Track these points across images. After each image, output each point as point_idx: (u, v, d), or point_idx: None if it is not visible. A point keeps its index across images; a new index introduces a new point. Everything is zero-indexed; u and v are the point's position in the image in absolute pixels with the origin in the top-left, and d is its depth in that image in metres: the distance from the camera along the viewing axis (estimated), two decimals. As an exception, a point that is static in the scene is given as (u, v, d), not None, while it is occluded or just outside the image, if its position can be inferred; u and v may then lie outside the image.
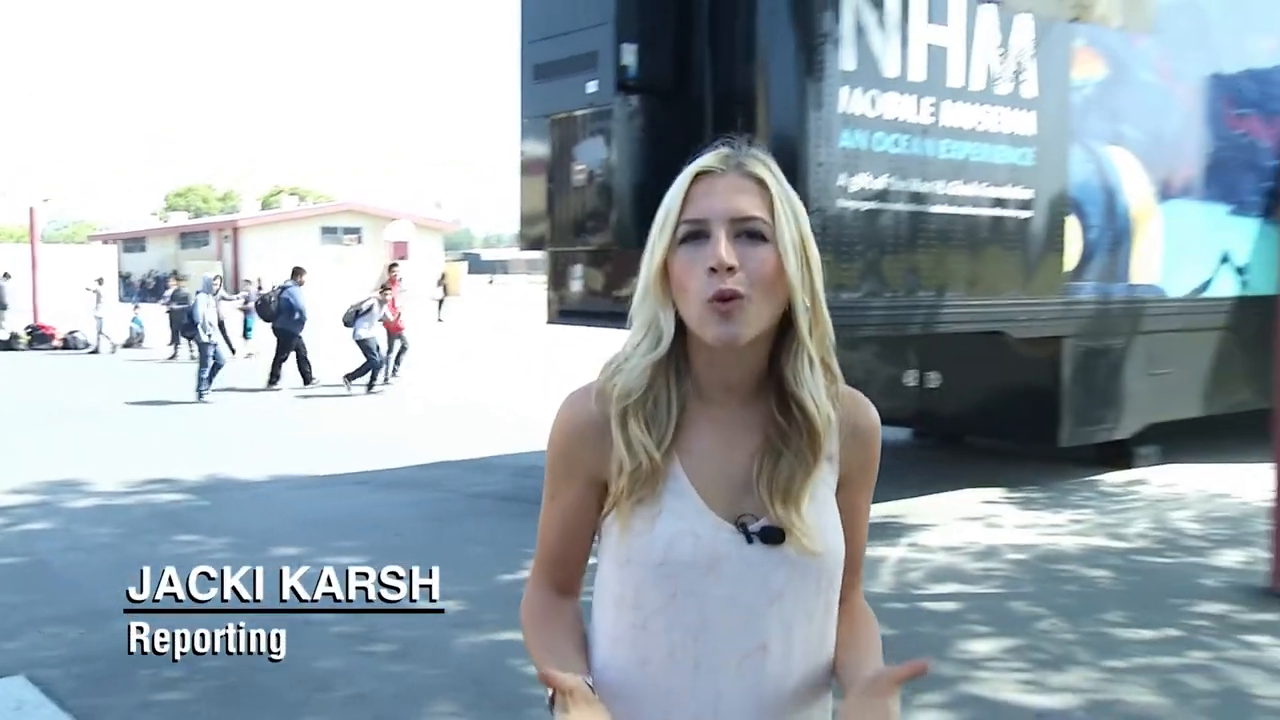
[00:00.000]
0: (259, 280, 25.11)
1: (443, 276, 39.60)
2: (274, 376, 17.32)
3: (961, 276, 8.61)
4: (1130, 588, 6.68)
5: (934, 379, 10.38)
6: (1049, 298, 9.24)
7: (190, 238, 58.92)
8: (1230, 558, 7.39)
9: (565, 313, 9.43)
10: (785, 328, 1.63)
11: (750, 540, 1.61)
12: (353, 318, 16.89)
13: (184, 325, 16.09)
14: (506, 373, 17.68)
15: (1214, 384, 10.89)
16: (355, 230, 54.71)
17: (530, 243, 9.23)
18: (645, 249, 1.66)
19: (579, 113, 8.35)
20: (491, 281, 66.63)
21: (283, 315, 17.22)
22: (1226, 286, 10.87)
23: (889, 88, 8.09)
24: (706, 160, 1.64)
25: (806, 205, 6.03)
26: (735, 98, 7.99)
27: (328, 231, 54.35)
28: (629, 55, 7.99)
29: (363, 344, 16.79)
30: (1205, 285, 10.68)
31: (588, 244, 8.54)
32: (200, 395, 15.65)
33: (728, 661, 1.61)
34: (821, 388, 1.64)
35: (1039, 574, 6.91)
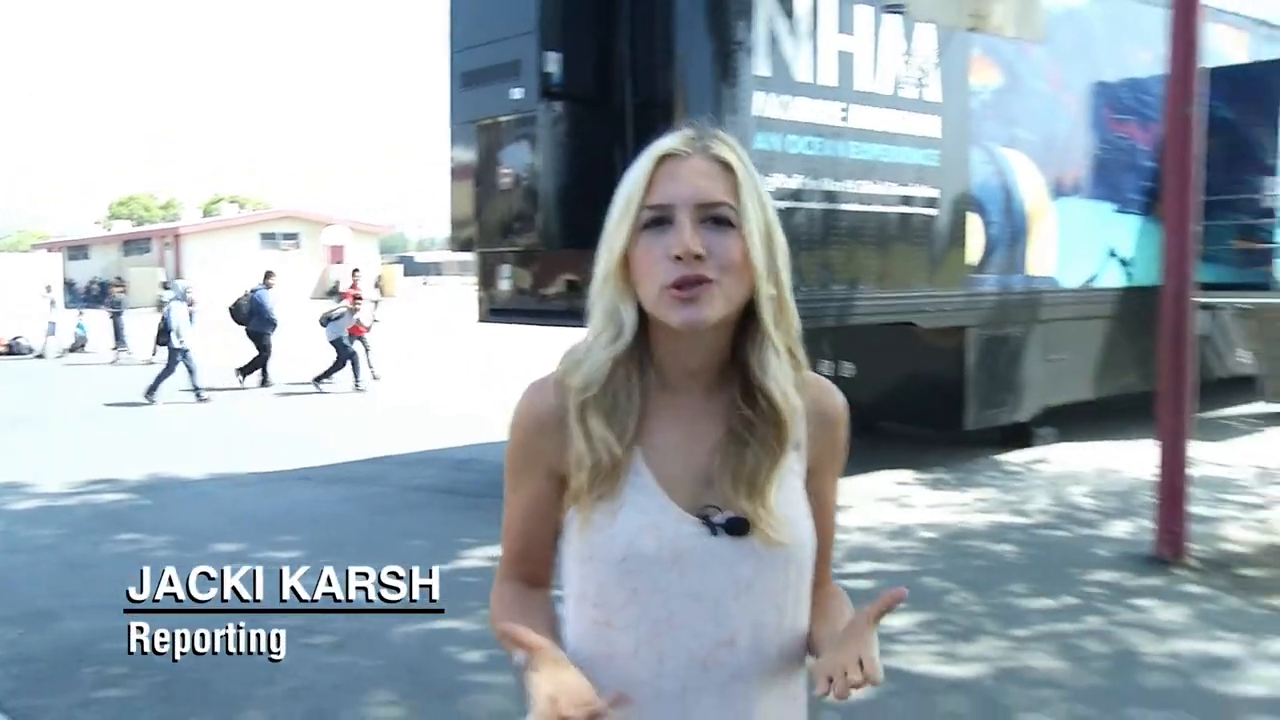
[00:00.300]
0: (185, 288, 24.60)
1: (378, 279, 39.09)
2: (263, 377, 17.07)
3: (873, 271, 8.63)
4: (1032, 560, 6.72)
5: (848, 369, 10.39)
6: (954, 290, 9.29)
7: (133, 245, 57.60)
8: (1120, 528, 7.47)
9: (495, 311, 9.32)
10: (750, 316, 1.52)
11: (715, 533, 1.51)
12: (326, 321, 16.74)
13: (158, 332, 15.71)
14: (442, 370, 17.47)
15: (1103, 369, 11.03)
16: (293, 236, 53.83)
17: (460, 244, 9.10)
18: (603, 235, 1.53)
19: (505, 118, 8.23)
20: (426, 283, 66.12)
21: (255, 318, 16.93)
22: (1113, 278, 11.01)
23: (801, 92, 8.08)
24: (670, 143, 1.52)
25: None
26: (655, 103, 7.91)
27: (267, 237, 53.43)
28: (552, 63, 7.88)
29: (337, 343, 16.61)
30: (1094, 277, 10.81)
31: (515, 245, 8.43)
32: (150, 397, 15.22)
33: (694, 656, 1.51)
34: (788, 376, 1.55)
35: (948, 550, 6.92)
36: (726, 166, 1.50)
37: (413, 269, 69.67)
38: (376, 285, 37.53)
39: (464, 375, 17.69)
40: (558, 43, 7.94)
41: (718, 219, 1.47)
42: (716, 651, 1.51)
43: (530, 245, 8.24)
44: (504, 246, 8.56)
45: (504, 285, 9.06)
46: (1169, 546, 6.60)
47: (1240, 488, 8.63)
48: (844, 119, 8.35)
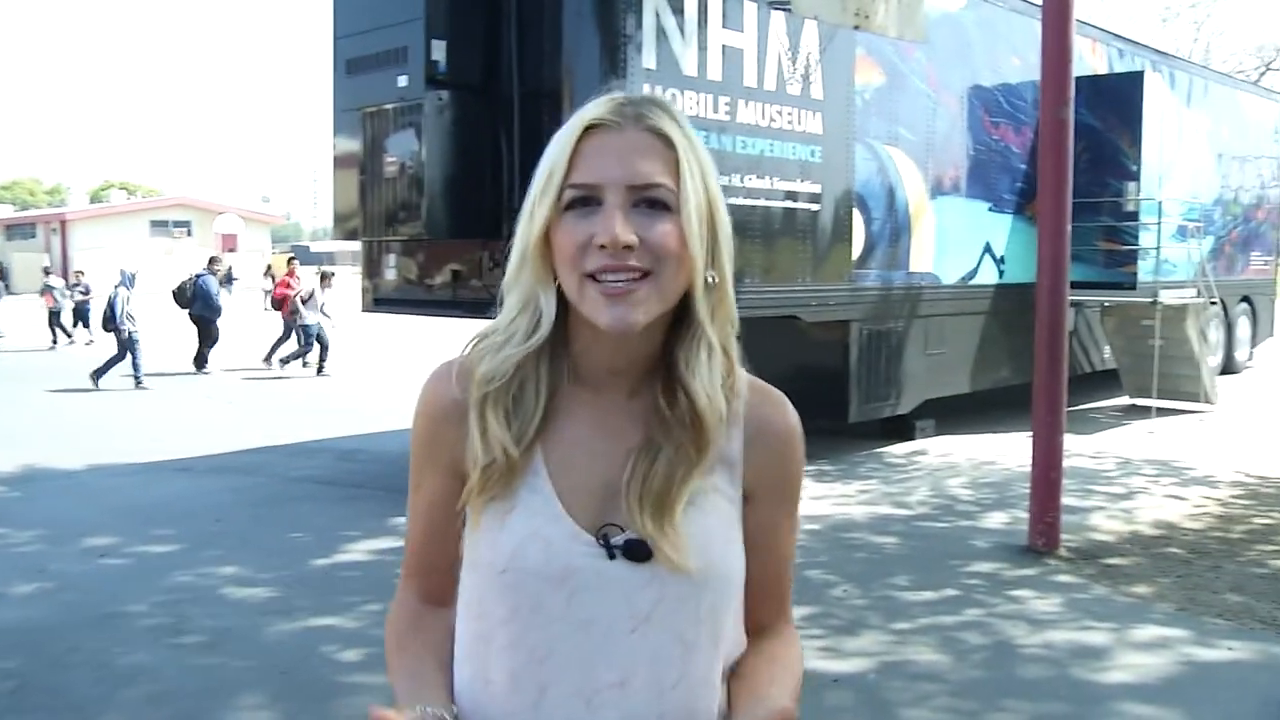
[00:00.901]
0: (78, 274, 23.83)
1: (268, 268, 38.05)
2: (200, 361, 16.82)
3: (758, 265, 8.49)
4: (913, 552, 6.64)
5: (732, 361, 10.24)
6: (837, 285, 9.21)
7: (16, 230, 55.32)
8: (997, 519, 7.44)
9: (380, 301, 8.99)
10: (684, 307, 1.29)
11: (612, 555, 1.26)
12: (297, 306, 16.75)
13: (104, 318, 15.25)
14: (331, 358, 16.97)
15: (980, 363, 11.08)
16: (184, 224, 52.21)
17: (345, 233, 8.74)
18: (522, 212, 1.30)
19: (390, 106, 7.89)
20: (318, 272, 64.49)
21: (198, 302, 16.68)
22: (989, 275, 11.07)
23: (688, 86, 7.89)
24: (598, 110, 1.27)
25: None
26: (542, 94, 7.66)
27: (157, 225, 51.75)
28: (439, 51, 7.58)
29: (304, 329, 16.56)
30: (972, 274, 10.85)
31: (400, 234, 8.10)
32: (138, 382, 14.83)
33: (579, 693, 1.27)
34: (717, 377, 1.30)
35: (832, 543, 6.80)
36: (665, 139, 1.25)
37: (307, 258, 68.33)
38: (267, 274, 36.65)
39: (351, 363, 17.22)
40: (444, 30, 7.63)
41: (652, 201, 1.23)
42: (605, 692, 1.27)
43: (415, 234, 7.92)
44: (389, 235, 8.24)
45: (389, 275, 8.74)
46: (1043, 537, 6.57)
47: (1106, 478, 8.69)
48: (730, 114, 8.19)
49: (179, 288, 17.06)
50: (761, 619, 1.41)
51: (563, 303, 1.29)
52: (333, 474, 8.96)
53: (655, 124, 1.25)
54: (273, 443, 10.34)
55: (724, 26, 8.13)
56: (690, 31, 7.89)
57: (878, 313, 9.73)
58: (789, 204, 8.71)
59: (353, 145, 8.26)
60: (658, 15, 7.67)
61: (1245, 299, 15.81)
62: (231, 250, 46.73)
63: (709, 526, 1.30)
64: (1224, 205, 14.92)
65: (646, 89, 7.56)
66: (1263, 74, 36.09)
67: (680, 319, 1.30)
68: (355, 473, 8.99)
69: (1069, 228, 6.72)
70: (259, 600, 5.69)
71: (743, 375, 1.36)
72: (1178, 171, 13.02)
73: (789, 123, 8.67)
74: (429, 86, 7.58)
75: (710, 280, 1.28)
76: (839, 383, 9.61)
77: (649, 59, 7.64)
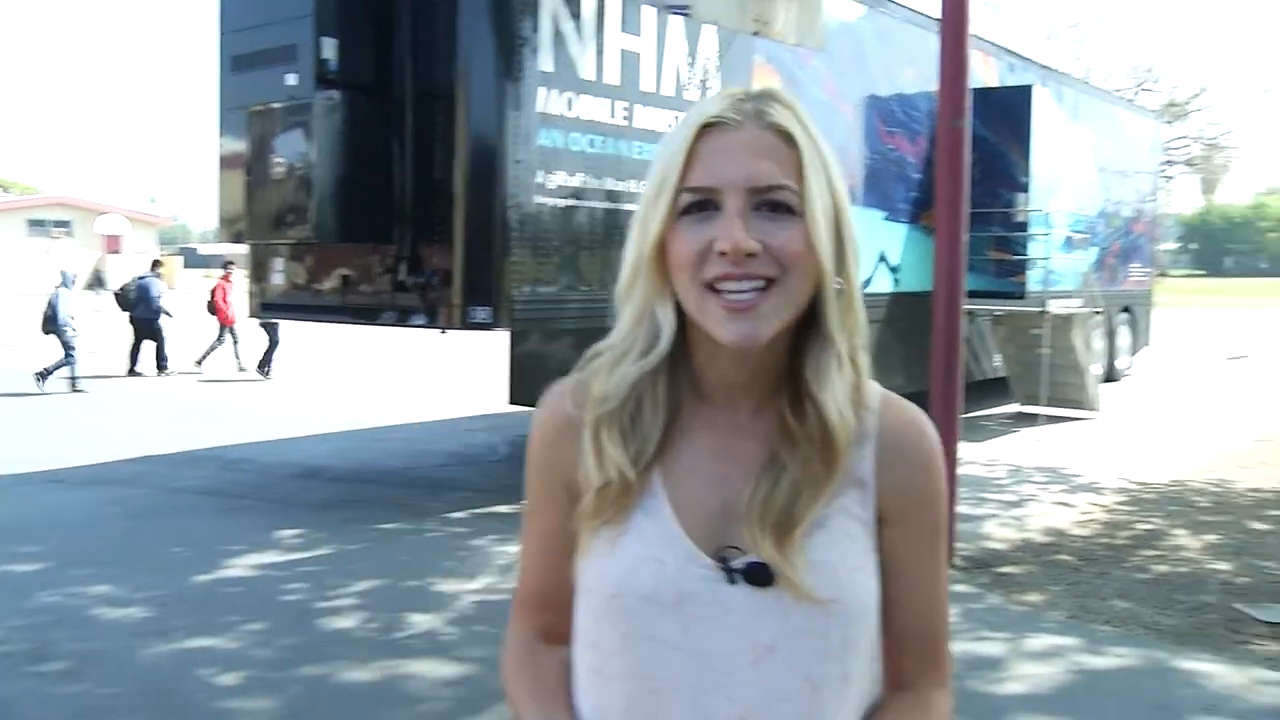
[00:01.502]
0: None
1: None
2: (133, 363, 16.47)
3: (653, 272, 8.37)
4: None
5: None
6: (732, 293, 9.13)
7: (-116, 228, 53.03)
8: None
9: (267, 306, 8.67)
10: (809, 315, 1.20)
11: (732, 580, 1.16)
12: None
13: (44, 319, 14.70)
14: (217, 363, 16.49)
15: (876, 371, 11.02)
16: (65, 223, 50.48)
17: (232, 235, 8.39)
18: (634, 219, 1.21)
19: (278, 105, 7.61)
20: (208, 276, 63.11)
21: (141, 305, 16.32)
22: (884, 284, 11.14)
23: (585, 90, 7.75)
24: (714, 107, 1.18)
25: (504, 202, 5.42)
26: (436, 95, 7.46)
27: (35, 224, 49.94)
28: (329, 49, 7.32)
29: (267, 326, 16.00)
30: (867, 282, 10.89)
31: (288, 237, 7.81)
32: (74, 385, 14.33)
33: None
34: (847, 390, 1.22)
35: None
36: (787, 137, 1.16)
37: (195, 261, 66.67)
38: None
39: (238, 369, 16.71)
40: (335, 28, 7.38)
41: (775, 204, 1.15)
42: None
43: (304, 238, 7.64)
44: (277, 239, 7.93)
45: (277, 279, 8.43)
46: (937, 546, 6.56)
47: (998, 486, 8.77)
48: (628, 119, 8.08)
49: (121, 290, 16.83)
50: (905, 671, 1.27)
51: (680, 315, 1.21)
52: (217, 484, 8.61)
53: (777, 121, 1.17)
54: (161, 451, 9.93)
55: (622, 30, 8.01)
56: (588, 34, 7.75)
57: (774, 321, 9.69)
58: (686, 211, 8.62)
59: (239, 145, 7.94)
60: (555, 17, 7.52)
61: (1126, 309, 16.21)
62: (115, 252, 45.38)
63: (837, 552, 1.19)
64: (1106, 218, 15.28)
65: (542, 93, 7.42)
66: (1137, 93, 37.29)
67: (806, 327, 1.21)
68: (240, 483, 8.66)
69: (965, 237, 6.74)
70: (132, 621, 5.39)
71: (874, 388, 1.28)
72: (1064, 184, 13.30)
73: (687, 129, 8.58)
74: (319, 86, 7.32)
75: (837, 287, 1.20)
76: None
77: (546, 61, 7.48)
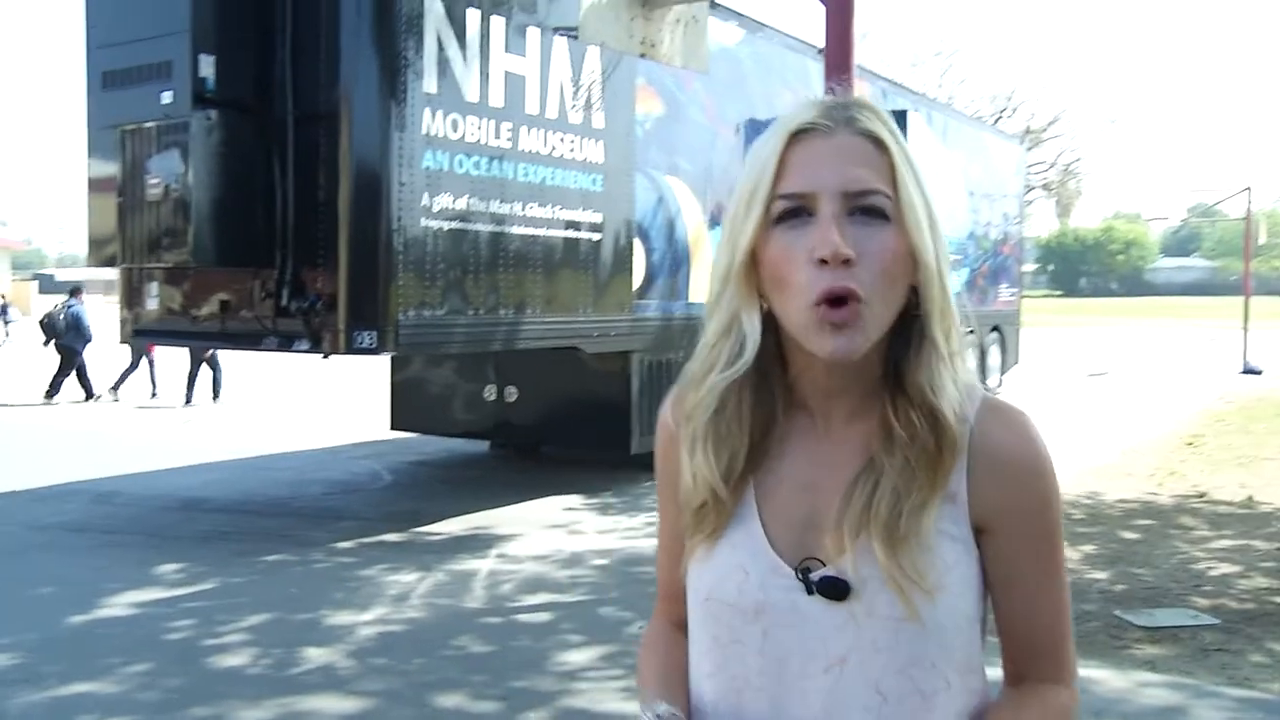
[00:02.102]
0: None
1: (2, 297, 35.42)
2: (53, 390, 16.17)
3: (539, 295, 8.33)
4: (705, 583, 6.58)
5: (512, 393, 10.07)
6: (619, 315, 9.15)
7: None
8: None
9: (140, 332, 8.37)
10: (904, 320, 1.20)
11: (810, 591, 1.19)
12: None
13: None
14: (79, 391, 15.89)
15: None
16: (-94, 249, 48.25)
17: (102, 260, 8.07)
18: (721, 229, 1.23)
19: (152, 124, 7.36)
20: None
21: (70, 332, 16.03)
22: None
23: (470, 112, 7.69)
24: (805, 114, 1.18)
25: (389, 225, 5.41)
26: (318, 115, 7.31)
27: (-126, 251, 47.62)
28: (207, 67, 7.13)
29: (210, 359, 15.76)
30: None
31: (164, 261, 7.53)
32: None
33: None
34: (960, 396, 1.20)
35: (622, 577, 6.68)
36: (878, 143, 1.17)
37: (51, 287, 64.29)
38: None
39: (104, 397, 16.12)
40: (213, 45, 7.19)
41: (869, 209, 1.15)
42: None
43: (182, 262, 7.38)
44: (152, 263, 7.64)
45: (151, 304, 8.14)
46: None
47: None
48: (512, 141, 8.04)
49: (47, 318, 16.51)
50: (1026, 673, 1.27)
51: (768, 323, 1.22)
52: (88, 519, 8.24)
53: (868, 127, 1.18)
54: (23, 486, 9.46)
55: (506, 51, 7.98)
56: (472, 56, 7.70)
57: (658, 343, 9.73)
58: (571, 233, 8.61)
59: (110, 166, 7.66)
60: (439, 38, 7.45)
61: (996, 328, 16.71)
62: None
63: (918, 569, 1.17)
64: (976, 240, 15.76)
65: (427, 114, 7.34)
66: (997, 120, 38.62)
67: (900, 332, 1.20)
68: (113, 517, 8.31)
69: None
70: None
71: (975, 393, 1.25)
72: (937, 207, 13.62)
73: (571, 151, 8.58)
74: (196, 104, 7.12)
75: (939, 293, 1.21)
76: (620, 414, 9.54)
77: (430, 83, 7.40)
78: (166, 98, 7.25)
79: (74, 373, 16.25)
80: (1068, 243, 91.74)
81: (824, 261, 1.12)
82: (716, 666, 1.26)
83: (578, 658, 5.22)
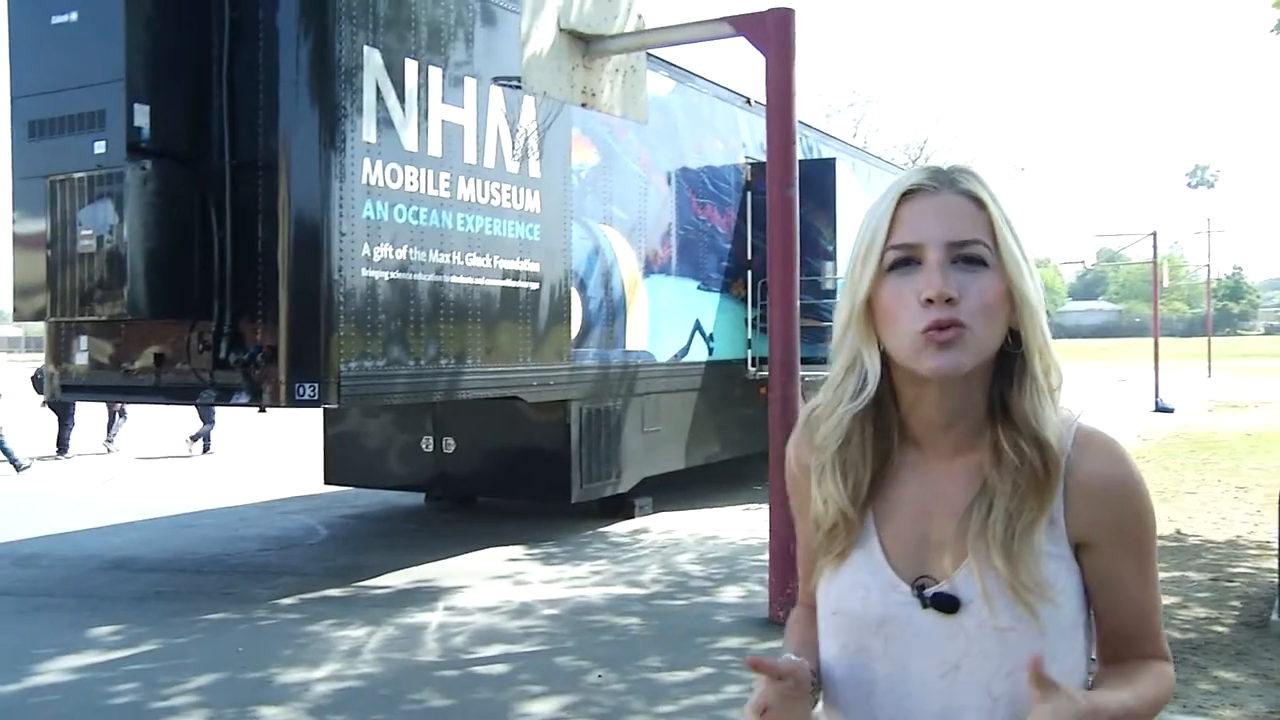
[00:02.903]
0: None
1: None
2: (62, 445, 16.17)
3: (480, 345, 8.30)
4: (659, 632, 6.57)
5: (449, 444, 10.00)
6: (557, 364, 9.15)
7: None
8: (732, 594, 7.52)
9: (69, 388, 8.15)
10: (1002, 360, 1.37)
11: (925, 606, 1.36)
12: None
13: None
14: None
15: (693, 439, 11.30)
16: None
17: (31, 314, 7.85)
18: (844, 279, 1.41)
19: (83, 175, 7.21)
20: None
21: None
22: (699, 352, 11.36)
23: (408, 161, 7.68)
24: (914, 178, 1.38)
25: (330, 275, 5.50)
26: (257, 165, 7.25)
27: None
28: (141, 116, 7.02)
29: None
30: (684, 351, 11.08)
31: (96, 314, 7.35)
32: None
33: None
34: (1059, 425, 1.37)
35: (575, 627, 6.64)
36: (977, 201, 1.35)
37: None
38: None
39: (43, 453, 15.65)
40: (147, 94, 7.09)
41: (970, 258, 1.33)
42: None
43: (116, 314, 7.22)
44: (84, 315, 7.45)
45: (80, 359, 7.94)
46: (784, 609, 6.67)
47: (826, 547, 8.96)
48: (450, 190, 8.03)
49: (37, 374, 15.90)
50: (1122, 655, 1.43)
51: (885, 367, 1.38)
52: (10, 583, 7.96)
53: (968, 188, 1.35)
54: None
55: (444, 102, 7.99)
56: (410, 106, 7.70)
57: (597, 392, 9.75)
58: (510, 282, 8.61)
59: (37, 217, 7.48)
60: (378, 88, 7.45)
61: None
62: None
63: (1043, 577, 1.33)
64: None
65: (366, 164, 7.32)
66: (910, 167, 39.47)
67: (1002, 370, 1.37)
68: (39, 580, 8.04)
69: (798, 303, 6.96)
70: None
71: (1070, 420, 1.40)
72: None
73: (508, 200, 8.60)
74: (130, 155, 7.00)
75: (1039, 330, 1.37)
76: (560, 463, 9.52)
77: (369, 132, 7.38)
78: (99, 147, 7.13)
79: (60, 428, 16.14)
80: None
81: (930, 301, 1.30)
82: (846, 673, 1.42)
83: (541, 708, 5.17)
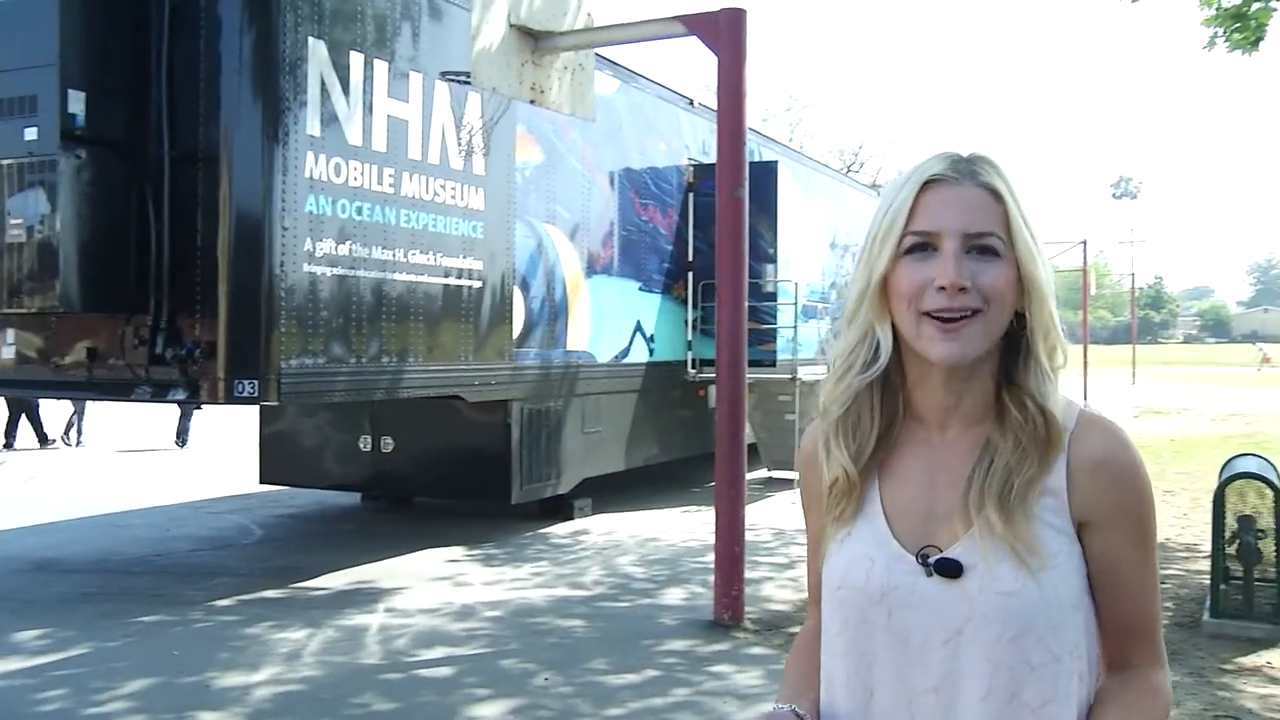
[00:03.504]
0: None
1: None
2: (9, 439, 15.93)
3: (422, 343, 8.19)
4: (604, 634, 6.52)
5: (388, 443, 9.87)
6: (499, 364, 9.06)
7: None
8: (675, 595, 7.49)
9: (-5, 382, 7.91)
10: (1009, 348, 1.42)
11: (929, 573, 1.39)
12: None
13: None
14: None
15: (633, 440, 11.27)
16: None
17: (-48, 305, 7.60)
18: (862, 254, 1.45)
19: (12, 162, 6.99)
20: None
21: None
22: (640, 354, 11.33)
23: (353, 156, 7.55)
24: (935, 167, 1.41)
25: (272, 270, 5.42)
26: (197, 157, 7.07)
27: None
28: (76, 103, 6.82)
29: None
30: (625, 352, 11.05)
31: (25, 307, 7.13)
32: None
33: (901, 697, 1.41)
34: (1063, 404, 1.41)
35: (519, 629, 6.57)
36: (996, 195, 1.40)
37: None
38: None
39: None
40: (83, 81, 6.89)
41: (983, 248, 1.38)
42: (922, 698, 1.40)
43: (47, 307, 7.01)
44: (12, 308, 7.22)
45: (6, 353, 7.70)
46: (729, 611, 6.66)
47: (767, 549, 9.00)
48: (394, 186, 7.91)
49: None
50: (1123, 656, 1.44)
51: (894, 343, 1.43)
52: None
53: (988, 180, 1.40)
54: None
55: (389, 96, 7.87)
56: (356, 99, 7.57)
57: (538, 392, 9.68)
58: (452, 280, 8.51)
59: (-36, 205, 7.25)
60: (322, 80, 7.31)
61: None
62: None
63: (1035, 538, 1.36)
64: (838, 288, 16.14)
65: (310, 157, 7.19)
66: (846, 173, 39.87)
67: (1010, 352, 1.42)
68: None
69: (746, 305, 6.95)
70: None
71: (1073, 407, 1.44)
72: (803, 255, 13.99)
73: (452, 197, 8.50)
74: (64, 142, 6.80)
75: (1045, 317, 1.41)
76: (501, 463, 9.43)
77: (313, 126, 7.25)
78: (30, 134, 6.91)
79: (31, 419, 15.87)
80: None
81: (942, 288, 1.35)
82: (848, 645, 1.45)
83: (488, 712, 5.10)
